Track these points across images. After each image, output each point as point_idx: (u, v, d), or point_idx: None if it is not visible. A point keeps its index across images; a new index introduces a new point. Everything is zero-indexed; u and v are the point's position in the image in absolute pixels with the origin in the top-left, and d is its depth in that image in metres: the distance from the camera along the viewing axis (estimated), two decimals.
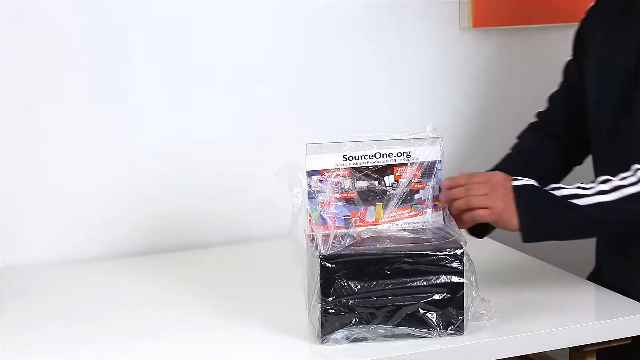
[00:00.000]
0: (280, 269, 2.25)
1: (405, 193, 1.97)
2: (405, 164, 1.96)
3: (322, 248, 1.90)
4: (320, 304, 1.89)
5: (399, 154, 1.97)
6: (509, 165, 2.20)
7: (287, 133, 2.59)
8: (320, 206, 1.95)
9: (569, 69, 2.28)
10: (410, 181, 1.97)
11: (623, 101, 2.08)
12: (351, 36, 2.64)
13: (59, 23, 2.40)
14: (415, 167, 1.96)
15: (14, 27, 2.37)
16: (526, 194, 1.96)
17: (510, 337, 1.94)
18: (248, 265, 2.40)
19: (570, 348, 2.03)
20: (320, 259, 1.88)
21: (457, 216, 1.97)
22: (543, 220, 1.98)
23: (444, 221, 1.98)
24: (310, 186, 1.94)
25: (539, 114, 2.34)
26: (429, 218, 1.98)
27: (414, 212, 1.97)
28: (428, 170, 1.97)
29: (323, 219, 1.95)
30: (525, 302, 2.04)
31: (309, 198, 1.94)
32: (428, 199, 1.98)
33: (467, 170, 2.27)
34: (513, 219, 1.96)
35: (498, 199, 1.95)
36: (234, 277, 2.32)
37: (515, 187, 1.96)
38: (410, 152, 1.97)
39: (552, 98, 2.31)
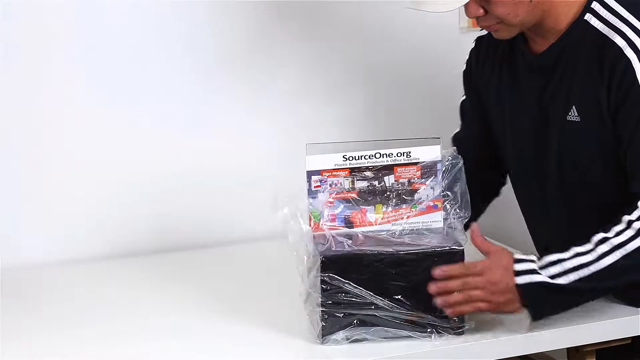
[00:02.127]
0: (281, 269, 2.24)
1: (405, 193, 1.97)
2: (405, 164, 1.96)
3: (322, 248, 1.90)
4: (320, 304, 1.89)
5: (399, 154, 1.97)
6: None
7: (288, 134, 2.59)
8: (320, 206, 1.95)
9: (464, 110, 2.27)
10: (410, 181, 1.97)
11: (540, 145, 2.09)
12: (351, 36, 2.64)
13: (59, 22, 2.41)
14: (415, 167, 1.97)
15: (15, 27, 2.37)
16: (531, 293, 1.90)
17: (510, 337, 1.94)
18: (248, 265, 2.40)
19: (570, 348, 2.03)
20: (320, 259, 1.88)
21: (450, 305, 1.91)
22: (552, 311, 1.95)
23: (444, 221, 1.98)
24: (310, 186, 1.94)
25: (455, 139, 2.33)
26: (429, 218, 1.98)
27: (414, 212, 1.97)
28: (428, 170, 1.97)
29: (323, 219, 1.96)
30: None
31: (309, 198, 1.94)
32: (428, 199, 1.98)
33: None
34: (516, 307, 1.92)
35: (497, 293, 1.90)
36: (234, 277, 2.32)
37: (518, 285, 1.90)
38: (410, 152, 1.97)
39: (455, 140, 2.28)
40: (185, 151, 2.53)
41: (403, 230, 1.96)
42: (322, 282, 1.88)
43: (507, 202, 2.31)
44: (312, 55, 2.61)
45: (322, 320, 1.89)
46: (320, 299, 1.89)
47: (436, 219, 1.97)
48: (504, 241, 2.42)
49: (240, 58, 2.54)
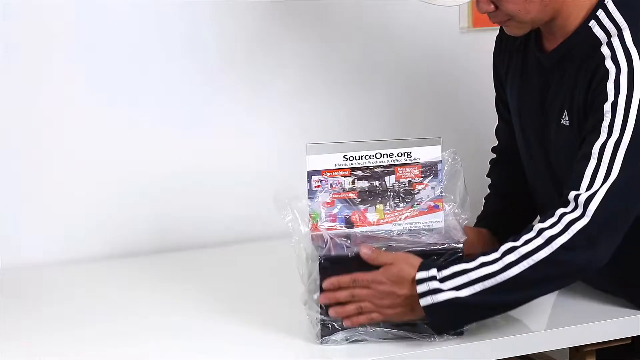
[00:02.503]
0: (281, 269, 2.25)
1: (406, 193, 1.97)
2: (405, 165, 1.96)
3: (321, 249, 1.90)
4: (319, 305, 1.89)
5: (400, 154, 1.96)
6: (494, 218, 2.19)
7: (288, 133, 2.59)
8: (320, 206, 1.95)
9: (496, 99, 2.28)
10: (411, 181, 1.97)
11: (537, 140, 2.09)
12: (352, 36, 2.64)
13: (59, 22, 2.40)
14: (415, 167, 1.97)
15: (15, 27, 2.37)
16: (434, 313, 1.86)
17: (510, 337, 1.94)
18: (248, 265, 2.40)
19: (570, 348, 2.03)
20: (320, 259, 1.88)
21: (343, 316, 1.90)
22: (456, 327, 1.91)
23: (444, 221, 1.98)
24: (310, 186, 1.94)
25: (494, 149, 2.33)
26: (430, 218, 1.98)
27: (415, 213, 1.97)
28: (429, 170, 1.97)
29: (323, 219, 1.96)
30: None
31: (309, 198, 1.94)
32: (428, 199, 1.98)
33: (467, 170, 2.27)
34: (414, 318, 1.89)
35: (386, 306, 1.88)
36: (234, 277, 2.32)
37: (423, 307, 1.86)
38: (410, 152, 1.97)
39: (497, 132, 2.32)
40: (185, 151, 2.53)
41: (403, 230, 1.96)
42: (321, 282, 1.88)
43: None
44: (312, 56, 2.61)
45: (321, 320, 1.89)
46: (319, 299, 1.89)
47: (437, 219, 1.97)
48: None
49: (241, 58, 2.54)
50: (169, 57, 2.50)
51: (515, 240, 1.87)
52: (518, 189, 2.23)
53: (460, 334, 1.91)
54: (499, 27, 2.13)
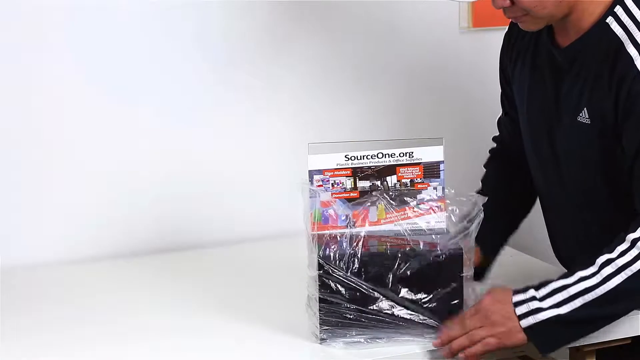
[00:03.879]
0: (281, 269, 2.26)
1: (407, 193, 1.97)
2: (407, 165, 1.96)
3: (322, 248, 1.90)
4: (320, 304, 1.89)
5: (402, 154, 1.96)
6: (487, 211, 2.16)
7: (289, 134, 2.59)
8: (321, 206, 1.95)
9: (502, 94, 2.28)
10: (413, 181, 1.97)
11: (549, 137, 2.09)
12: (352, 37, 2.64)
13: (63, 21, 2.40)
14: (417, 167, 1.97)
15: (15, 27, 2.37)
16: (538, 333, 1.87)
17: None
18: (248, 265, 2.40)
19: (570, 348, 2.03)
20: (319, 259, 1.88)
21: (457, 350, 1.90)
22: (564, 344, 1.93)
23: (446, 222, 1.98)
24: (312, 186, 1.94)
25: (495, 139, 2.34)
26: (431, 219, 1.98)
27: (416, 213, 1.97)
28: (431, 170, 1.97)
29: (324, 218, 1.96)
30: None
31: (310, 198, 1.94)
32: (430, 199, 1.98)
33: (468, 170, 2.28)
34: (520, 338, 1.89)
35: (497, 324, 1.88)
36: (234, 277, 2.32)
37: (524, 328, 1.87)
38: (412, 152, 1.97)
39: (499, 124, 2.32)
40: (186, 151, 2.53)
41: (405, 230, 1.96)
42: (322, 282, 1.88)
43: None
44: (314, 57, 2.61)
45: (322, 320, 1.89)
46: (319, 299, 1.89)
47: (439, 220, 1.97)
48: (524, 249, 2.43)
49: (244, 59, 2.54)
50: (171, 58, 2.50)
51: (610, 252, 1.87)
52: (513, 186, 2.24)
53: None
54: (500, 27, 2.13)
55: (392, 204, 1.96)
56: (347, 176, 1.96)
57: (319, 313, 1.89)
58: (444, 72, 2.71)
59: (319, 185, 1.95)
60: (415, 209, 1.97)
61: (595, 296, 1.86)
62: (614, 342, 2.01)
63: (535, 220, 2.27)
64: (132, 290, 2.26)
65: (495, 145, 2.34)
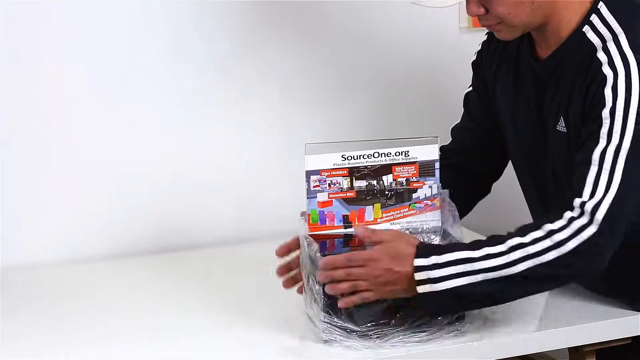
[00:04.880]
0: None
1: (403, 192, 1.98)
2: (403, 164, 1.97)
3: (322, 249, 1.90)
4: (321, 304, 1.89)
5: (397, 154, 1.97)
6: None
7: (287, 134, 2.59)
8: (319, 206, 1.95)
9: (469, 100, 2.27)
10: (408, 180, 1.97)
11: (533, 139, 2.08)
12: (350, 36, 2.64)
13: (63, 22, 2.41)
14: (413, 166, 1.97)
15: (15, 27, 2.37)
16: (429, 301, 1.86)
17: (510, 337, 1.94)
18: (249, 265, 2.40)
19: (570, 348, 2.03)
20: (320, 259, 1.88)
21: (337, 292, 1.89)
22: (449, 312, 1.91)
23: (442, 220, 1.98)
24: (309, 186, 1.95)
25: (442, 148, 2.25)
26: (427, 217, 1.98)
27: (412, 212, 1.98)
28: (426, 169, 1.97)
29: (322, 219, 1.96)
30: (525, 302, 2.03)
31: (308, 198, 1.95)
32: (426, 198, 1.98)
33: None
34: (405, 294, 1.88)
35: (380, 284, 1.86)
36: (234, 277, 2.32)
37: (418, 294, 1.86)
38: (408, 151, 1.97)
39: (456, 130, 2.29)
40: (185, 152, 2.53)
41: (401, 229, 1.97)
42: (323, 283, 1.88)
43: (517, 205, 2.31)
44: (312, 56, 2.61)
45: (323, 320, 1.89)
46: (322, 300, 1.88)
47: (434, 218, 1.98)
48: None
49: (241, 59, 2.55)
50: (171, 58, 2.50)
51: (523, 235, 1.86)
52: (460, 187, 2.19)
53: (462, 318, 1.91)
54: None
55: (388, 203, 1.96)
56: (343, 176, 1.96)
57: (321, 313, 1.89)
58: (444, 72, 2.71)
59: (315, 186, 1.95)
60: (411, 208, 1.97)
61: (497, 276, 1.85)
62: (614, 342, 2.01)
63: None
64: (132, 290, 2.26)
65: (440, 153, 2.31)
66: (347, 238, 1.96)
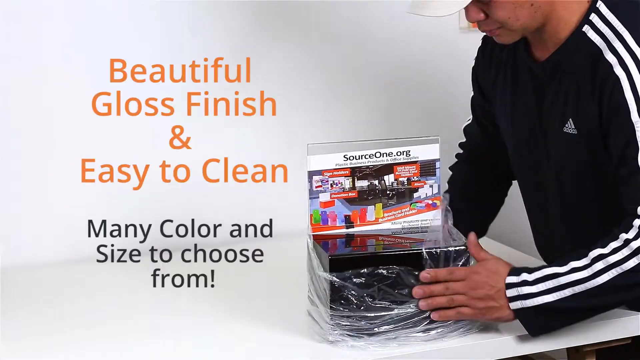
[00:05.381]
0: (283, 269, 2.25)
1: (405, 192, 1.98)
2: (404, 163, 1.97)
3: (325, 248, 1.90)
4: (327, 305, 1.89)
5: (399, 153, 1.97)
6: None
7: (289, 134, 2.59)
8: (321, 206, 1.95)
9: (474, 104, 2.28)
10: (410, 180, 1.98)
11: (532, 139, 2.09)
12: (352, 36, 2.64)
13: (63, 22, 2.41)
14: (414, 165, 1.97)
15: (15, 26, 2.37)
16: (525, 317, 1.90)
17: (511, 337, 1.94)
18: (250, 266, 2.39)
19: (570, 348, 2.03)
20: (328, 259, 1.88)
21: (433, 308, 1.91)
22: (549, 329, 1.95)
23: (442, 220, 1.99)
24: (311, 186, 1.95)
25: (461, 145, 2.34)
26: (428, 216, 1.99)
27: (414, 211, 1.98)
28: (427, 168, 1.97)
29: (324, 219, 1.96)
30: None
31: (310, 198, 1.95)
32: (427, 197, 1.98)
33: None
34: (503, 316, 1.91)
35: (477, 299, 1.90)
36: (235, 277, 2.32)
37: (512, 310, 1.90)
38: (409, 151, 1.97)
39: (466, 132, 2.32)
40: (185, 151, 2.52)
41: (403, 228, 1.97)
42: (330, 282, 1.88)
43: (515, 207, 2.31)
44: (313, 56, 2.61)
45: (327, 320, 1.89)
46: (327, 299, 1.88)
47: (435, 217, 1.99)
48: (504, 240, 2.43)
49: (242, 58, 2.54)
50: (170, 57, 2.49)
51: (603, 247, 1.89)
52: (481, 192, 2.26)
53: (464, 335, 1.93)
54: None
55: (389, 203, 1.97)
56: (345, 176, 1.96)
57: (325, 313, 1.89)
58: (444, 72, 2.71)
59: (318, 186, 1.95)
60: (412, 207, 1.98)
61: (584, 289, 1.88)
62: (614, 342, 2.02)
63: (516, 215, 2.29)
64: (131, 290, 2.26)
65: (461, 151, 2.34)
66: (349, 238, 1.97)
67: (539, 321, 1.90)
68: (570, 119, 1.98)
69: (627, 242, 1.88)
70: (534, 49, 2.04)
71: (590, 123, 1.95)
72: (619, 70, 1.90)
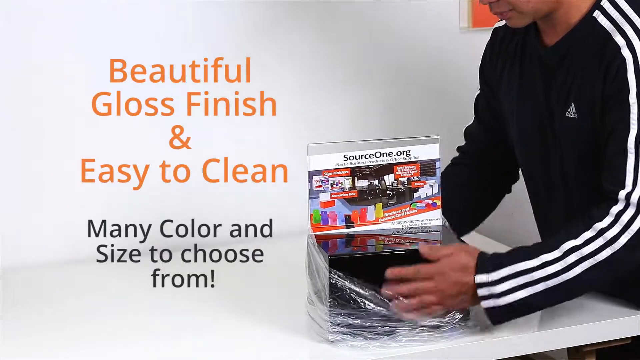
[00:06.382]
0: (283, 269, 2.26)
1: (405, 192, 1.98)
2: (404, 163, 1.97)
3: (325, 248, 1.90)
4: (327, 304, 1.89)
5: (399, 153, 1.97)
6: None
7: (289, 134, 2.59)
8: (321, 206, 1.95)
9: (478, 104, 2.28)
10: (410, 179, 1.98)
11: (542, 132, 2.09)
12: (351, 36, 2.64)
13: (63, 22, 2.41)
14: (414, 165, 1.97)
15: (15, 26, 2.37)
16: (494, 314, 1.91)
17: (510, 337, 1.94)
18: (250, 266, 2.39)
19: (570, 348, 2.03)
20: (328, 259, 1.88)
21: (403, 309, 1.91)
22: (512, 318, 1.94)
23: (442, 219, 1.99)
24: (312, 186, 1.95)
25: (459, 149, 2.32)
26: (428, 216, 1.99)
27: (414, 211, 1.98)
28: (427, 168, 1.97)
29: (324, 219, 1.96)
30: None
31: (310, 198, 1.95)
32: (427, 197, 1.99)
33: None
34: (468, 305, 1.92)
35: (449, 297, 1.90)
36: (235, 277, 2.32)
37: (484, 308, 1.91)
38: (409, 151, 1.97)
39: (468, 133, 2.31)
40: (186, 151, 2.52)
41: (403, 228, 1.97)
42: (330, 282, 1.88)
43: (515, 207, 2.32)
44: (313, 55, 2.61)
45: (327, 319, 1.89)
46: (327, 299, 1.89)
47: (435, 217, 1.99)
48: (503, 240, 2.43)
49: (242, 58, 2.54)
50: (169, 56, 2.49)
51: (575, 237, 1.89)
52: (481, 189, 2.24)
53: (464, 335, 1.93)
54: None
55: (389, 203, 1.97)
56: (345, 176, 1.96)
57: (325, 313, 1.89)
58: (444, 72, 2.71)
59: (318, 186, 1.95)
60: (412, 207, 1.98)
61: (557, 282, 1.88)
62: (614, 342, 2.02)
63: (516, 215, 2.29)
64: (131, 290, 2.26)
65: (458, 154, 2.32)
66: (349, 238, 1.97)
67: (506, 314, 1.91)
68: (572, 104, 1.99)
69: (601, 232, 1.87)
70: (545, 36, 2.05)
71: (593, 106, 1.95)
72: (626, 52, 1.91)
